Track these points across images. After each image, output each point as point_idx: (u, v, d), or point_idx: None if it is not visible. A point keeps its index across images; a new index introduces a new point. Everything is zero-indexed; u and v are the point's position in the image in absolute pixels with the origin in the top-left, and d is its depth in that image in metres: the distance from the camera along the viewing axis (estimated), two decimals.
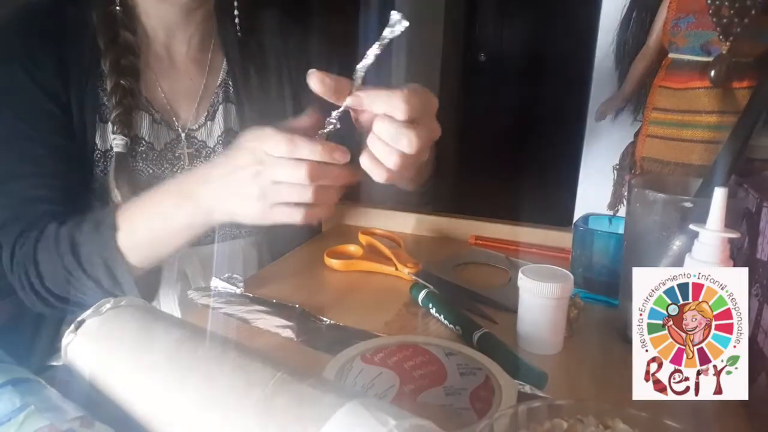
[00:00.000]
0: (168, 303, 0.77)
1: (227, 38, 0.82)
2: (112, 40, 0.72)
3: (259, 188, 0.54)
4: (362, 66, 0.51)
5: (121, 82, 0.71)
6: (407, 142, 0.51)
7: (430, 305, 0.63)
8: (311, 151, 0.53)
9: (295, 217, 0.56)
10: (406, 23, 0.48)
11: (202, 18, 0.79)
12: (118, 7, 0.73)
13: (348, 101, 0.52)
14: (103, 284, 0.65)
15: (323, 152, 0.53)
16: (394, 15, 0.48)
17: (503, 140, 3.25)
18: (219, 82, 0.81)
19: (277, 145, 0.53)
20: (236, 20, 0.81)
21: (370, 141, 0.52)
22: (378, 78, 0.55)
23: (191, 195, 0.60)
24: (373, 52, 0.50)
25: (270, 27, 0.85)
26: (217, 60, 0.82)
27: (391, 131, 0.51)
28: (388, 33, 0.49)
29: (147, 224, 0.64)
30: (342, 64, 0.82)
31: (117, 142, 0.71)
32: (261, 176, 0.54)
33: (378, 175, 0.53)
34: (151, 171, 0.76)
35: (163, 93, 0.78)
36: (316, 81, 0.51)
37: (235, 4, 0.81)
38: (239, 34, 0.82)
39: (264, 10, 0.86)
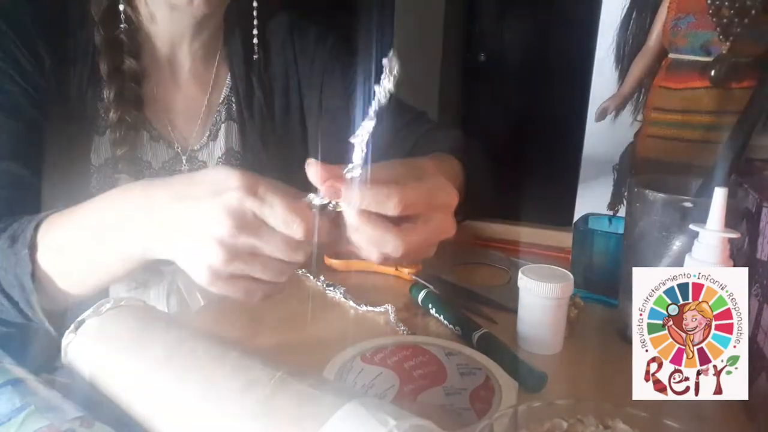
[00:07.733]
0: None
1: (233, 51, 0.77)
2: (115, 69, 0.67)
3: (228, 252, 0.41)
4: (358, 140, 0.41)
5: (126, 117, 0.66)
6: (393, 247, 0.42)
7: (430, 305, 0.63)
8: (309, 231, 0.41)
9: (252, 295, 0.44)
10: (395, 66, 0.40)
11: (212, 29, 0.74)
12: (122, 25, 0.67)
13: (339, 195, 0.42)
14: (21, 306, 0.54)
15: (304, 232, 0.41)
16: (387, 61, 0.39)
17: (503, 140, 3.25)
18: (222, 98, 0.77)
19: (278, 213, 0.41)
20: (254, 30, 0.75)
21: (352, 233, 0.43)
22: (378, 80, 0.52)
23: (133, 220, 0.47)
24: (367, 128, 0.41)
25: (279, 37, 0.80)
26: (221, 74, 0.77)
27: (374, 235, 0.42)
28: (387, 84, 0.40)
29: (73, 246, 0.51)
30: (355, 75, 0.78)
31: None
32: (237, 239, 0.41)
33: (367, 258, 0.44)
34: None
35: (163, 107, 0.73)
36: (311, 173, 0.42)
37: (255, 14, 0.75)
38: (256, 48, 0.76)
39: (273, 18, 0.80)
